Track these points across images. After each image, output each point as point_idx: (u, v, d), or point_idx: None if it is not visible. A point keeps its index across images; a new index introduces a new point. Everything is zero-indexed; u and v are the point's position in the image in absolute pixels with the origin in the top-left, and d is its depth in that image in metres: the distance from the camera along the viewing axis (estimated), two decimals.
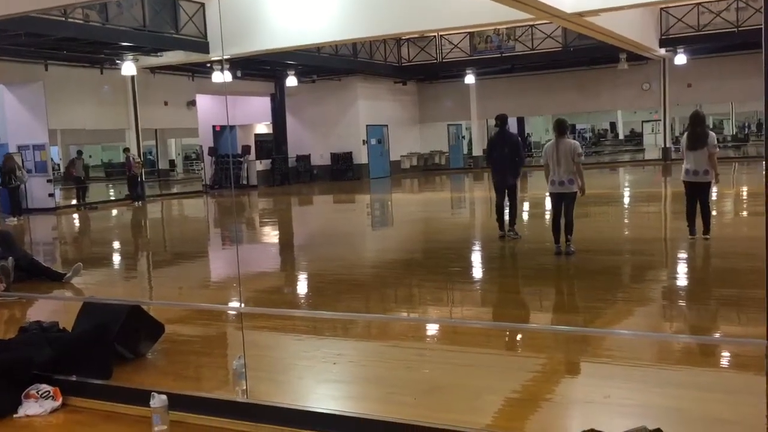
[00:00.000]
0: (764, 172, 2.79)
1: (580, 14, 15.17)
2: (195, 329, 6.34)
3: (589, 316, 6.30)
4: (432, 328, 6.09)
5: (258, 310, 6.70)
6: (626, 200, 17.64)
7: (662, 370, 4.66)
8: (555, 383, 4.68)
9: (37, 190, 18.96)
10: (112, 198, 24.42)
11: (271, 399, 4.05)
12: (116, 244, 13.87)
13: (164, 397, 3.67)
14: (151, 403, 3.66)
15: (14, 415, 4.10)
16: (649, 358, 4.94)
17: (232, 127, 26.98)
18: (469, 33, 25.41)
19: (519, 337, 5.70)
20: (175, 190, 28.03)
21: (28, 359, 4.40)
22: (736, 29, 22.32)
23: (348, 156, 27.82)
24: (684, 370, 4.68)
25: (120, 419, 4.04)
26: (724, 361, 4.96)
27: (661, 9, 23.32)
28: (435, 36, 26.05)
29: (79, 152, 22.07)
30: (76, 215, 19.45)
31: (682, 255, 8.95)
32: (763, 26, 2.93)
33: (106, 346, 4.74)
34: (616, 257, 9.23)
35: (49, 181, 19.42)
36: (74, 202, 20.74)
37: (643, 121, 41.79)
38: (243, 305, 6.75)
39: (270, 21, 18.28)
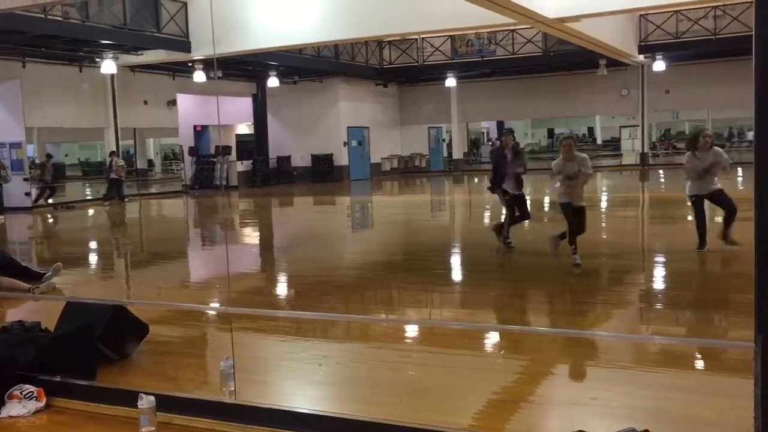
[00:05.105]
0: (754, 178, 2.81)
1: (562, 20, 15.30)
2: (178, 330, 6.28)
3: (576, 318, 6.33)
4: (416, 330, 6.09)
5: (245, 311, 6.65)
6: (609, 205, 17.75)
7: (650, 373, 4.69)
8: (543, 385, 4.69)
9: (13, 188, 18.64)
10: (89, 197, 24.14)
11: (258, 400, 4.03)
12: (93, 244, 13.71)
13: (152, 398, 3.64)
14: (139, 404, 3.62)
15: None
16: (637, 360, 4.98)
17: (213, 127, 26.83)
18: (450, 36, 25.52)
19: (505, 339, 5.71)
20: (153, 190, 27.79)
21: (12, 359, 4.34)
22: (713, 37, 22.64)
23: (328, 157, 27.76)
24: (672, 372, 4.71)
25: (104, 420, 3.99)
26: (712, 364, 5.01)
27: (641, 16, 23.58)
28: (416, 39, 26.12)
29: (48, 155, 21.74)
30: (49, 215, 19.19)
31: (671, 259, 9.02)
32: (753, 32, 2.96)
33: (90, 347, 4.68)
34: (601, 260, 9.26)
35: (25, 179, 19.14)
36: (51, 201, 20.46)
37: (620, 127, 42.15)
38: (230, 306, 6.71)
39: (252, 21, 18.20)
